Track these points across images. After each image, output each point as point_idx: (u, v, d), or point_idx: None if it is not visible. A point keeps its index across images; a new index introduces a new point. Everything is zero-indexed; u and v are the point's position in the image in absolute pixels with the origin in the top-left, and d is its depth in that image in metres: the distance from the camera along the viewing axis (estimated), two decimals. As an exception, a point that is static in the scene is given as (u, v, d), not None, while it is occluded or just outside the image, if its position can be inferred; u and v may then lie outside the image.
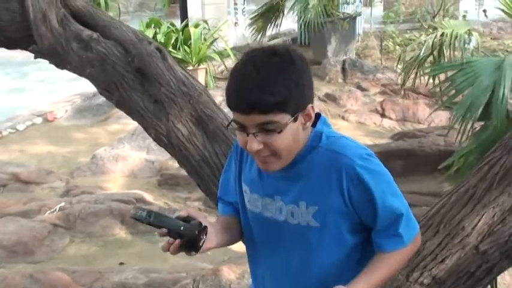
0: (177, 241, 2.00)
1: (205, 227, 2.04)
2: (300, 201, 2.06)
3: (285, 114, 1.90)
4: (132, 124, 8.60)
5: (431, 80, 5.41)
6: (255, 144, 1.92)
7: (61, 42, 3.69)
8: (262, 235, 2.20)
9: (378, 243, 2.10)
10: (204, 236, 2.03)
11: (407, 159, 7.49)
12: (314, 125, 2.08)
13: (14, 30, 3.88)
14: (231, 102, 1.92)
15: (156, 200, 6.95)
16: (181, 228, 1.99)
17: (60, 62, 3.82)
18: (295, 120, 1.93)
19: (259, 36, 11.85)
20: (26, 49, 3.89)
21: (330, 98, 10.40)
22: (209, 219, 2.11)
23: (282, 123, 1.90)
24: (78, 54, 3.69)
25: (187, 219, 2.04)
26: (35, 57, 3.88)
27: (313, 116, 2.01)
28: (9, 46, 4.05)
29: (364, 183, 2.00)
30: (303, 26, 12.52)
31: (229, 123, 2.01)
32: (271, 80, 1.87)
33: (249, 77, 1.88)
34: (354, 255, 2.13)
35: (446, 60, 5.75)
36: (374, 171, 2.03)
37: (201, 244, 2.02)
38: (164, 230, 1.99)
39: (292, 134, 1.94)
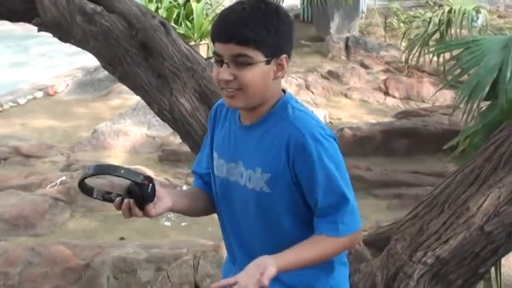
0: (130, 201, 2.05)
1: (150, 177, 2.07)
2: (256, 167, 2.14)
3: (259, 52, 2.03)
4: (133, 99, 8.60)
5: (436, 58, 5.37)
6: (226, 73, 2.04)
7: (65, 15, 3.66)
8: (227, 200, 2.29)
9: (317, 226, 2.13)
10: (150, 186, 2.05)
11: (410, 138, 7.49)
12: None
13: (17, 2, 3.86)
14: (214, 31, 2.09)
15: (157, 176, 6.94)
16: (122, 171, 2.02)
17: (64, 35, 3.80)
18: (267, 63, 2.06)
19: (262, 12, 11.76)
20: (29, 22, 3.87)
21: (333, 75, 10.36)
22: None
23: (254, 59, 2.03)
24: (82, 28, 3.67)
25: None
26: (38, 31, 3.85)
27: (286, 67, 2.12)
28: (12, 19, 4.03)
29: (309, 159, 2.05)
30: (305, 2, 12.43)
31: (211, 57, 2.16)
32: (254, 18, 2.03)
33: (234, 12, 2.06)
34: (310, 223, 2.17)
35: (451, 38, 5.71)
36: (322, 151, 2.06)
37: (149, 191, 2.04)
38: (117, 200, 2.07)
39: (262, 75, 2.06)
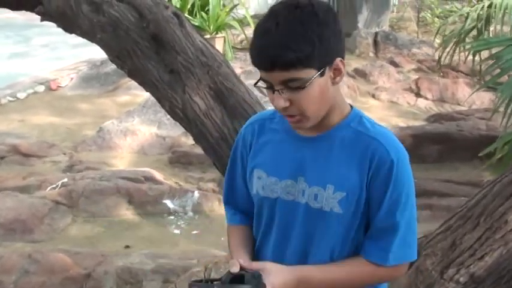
0: None
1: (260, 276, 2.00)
2: (327, 184, 2.06)
3: (310, 69, 1.93)
4: (142, 96, 8.64)
5: (472, 57, 5.36)
6: (281, 101, 1.97)
7: (70, 4, 3.67)
8: (277, 221, 2.20)
9: (365, 248, 2.11)
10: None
11: (443, 143, 7.47)
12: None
13: (19, -11, 3.88)
14: (253, 60, 1.99)
15: (166, 180, 6.97)
16: None
17: (69, 25, 3.82)
18: (321, 75, 1.96)
19: (284, 3, 11.77)
20: (31, 10, 3.88)
21: (360, 73, 10.37)
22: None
23: (306, 79, 1.93)
24: (89, 18, 3.68)
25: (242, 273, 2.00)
26: (41, 20, 3.87)
27: (343, 70, 2.03)
28: (14, 7, 4.05)
29: (388, 177, 2.02)
30: (331, -7, 12.46)
31: (257, 81, 2.04)
32: (292, 35, 1.91)
33: (269, 33, 1.93)
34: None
35: (490, 35, 5.70)
36: (402, 173, 2.04)
37: None
38: None
39: (320, 90, 1.98)
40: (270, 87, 1.98)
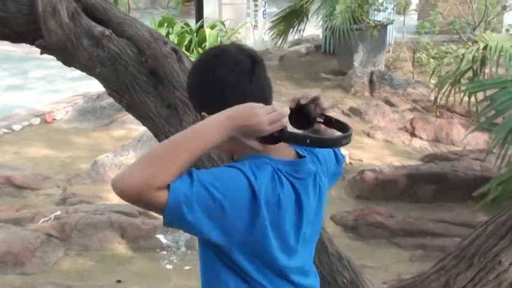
0: None
1: None
2: None
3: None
4: (137, 130, 8.65)
5: (468, 98, 5.40)
6: None
7: (71, 38, 3.71)
8: None
9: None
10: None
11: (438, 184, 7.48)
12: None
13: (20, 23, 3.89)
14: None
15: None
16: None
17: (69, 59, 3.85)
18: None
19: (280, 41, 11.89)
20: (31, 44, 3.92)
21: (355, 112, 10.40)
22: None
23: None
24: (89, 52, 3.72)
25: None
26: (42, 53, 3.90)
27: None
28: (15, 40, 4.07)
29: None
30: (328, 33, 12.56)
31: None
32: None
33: None
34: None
35: (486, 77, 5.75)
36: None
37: None
38: None
39: None
40: None
